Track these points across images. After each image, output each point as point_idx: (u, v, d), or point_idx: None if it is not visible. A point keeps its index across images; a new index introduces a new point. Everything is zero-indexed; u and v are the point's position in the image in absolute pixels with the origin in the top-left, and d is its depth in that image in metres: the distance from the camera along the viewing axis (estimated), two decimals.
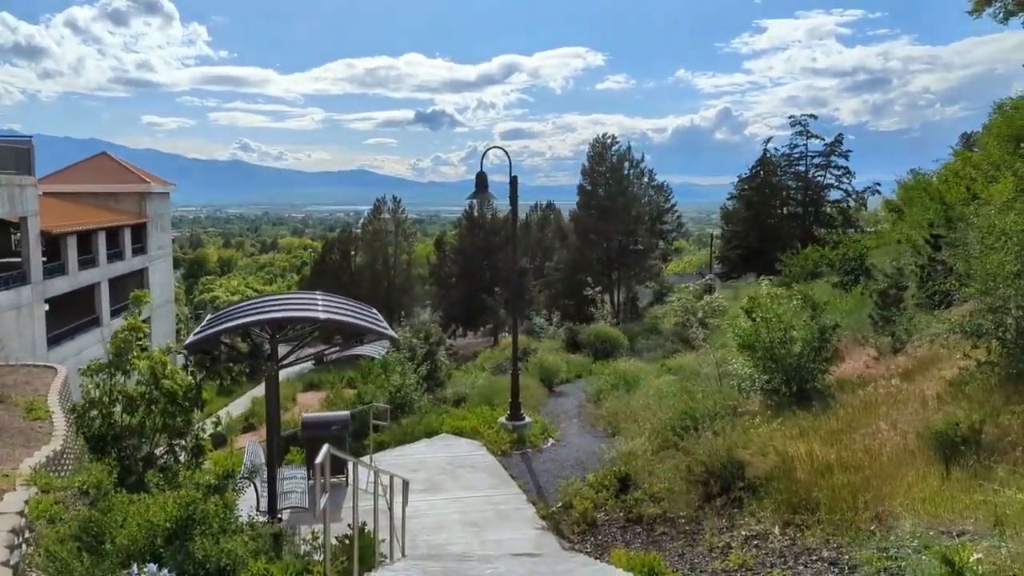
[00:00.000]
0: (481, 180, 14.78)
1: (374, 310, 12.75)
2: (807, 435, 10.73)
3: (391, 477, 9.10)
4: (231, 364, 11.36)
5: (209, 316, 12.61)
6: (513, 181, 14.96)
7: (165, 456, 10.76)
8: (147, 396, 10.76)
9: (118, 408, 10.66)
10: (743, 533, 9.26)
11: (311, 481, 12.76)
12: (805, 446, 9.92)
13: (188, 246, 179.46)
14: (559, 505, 11.80)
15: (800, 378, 13.90)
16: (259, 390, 48.31)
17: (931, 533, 6.97)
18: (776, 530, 8.93)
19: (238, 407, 42.45)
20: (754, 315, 14.64)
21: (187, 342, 10.40)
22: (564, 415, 19.31)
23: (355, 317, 11.48)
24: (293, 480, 12.09)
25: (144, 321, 11.38)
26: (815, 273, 44.15)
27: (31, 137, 36.05)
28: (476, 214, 60.82)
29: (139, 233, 51.34)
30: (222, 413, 43.75)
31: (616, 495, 11.77)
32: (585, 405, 19.97)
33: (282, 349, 11.92)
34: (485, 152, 15.06)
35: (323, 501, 5.00)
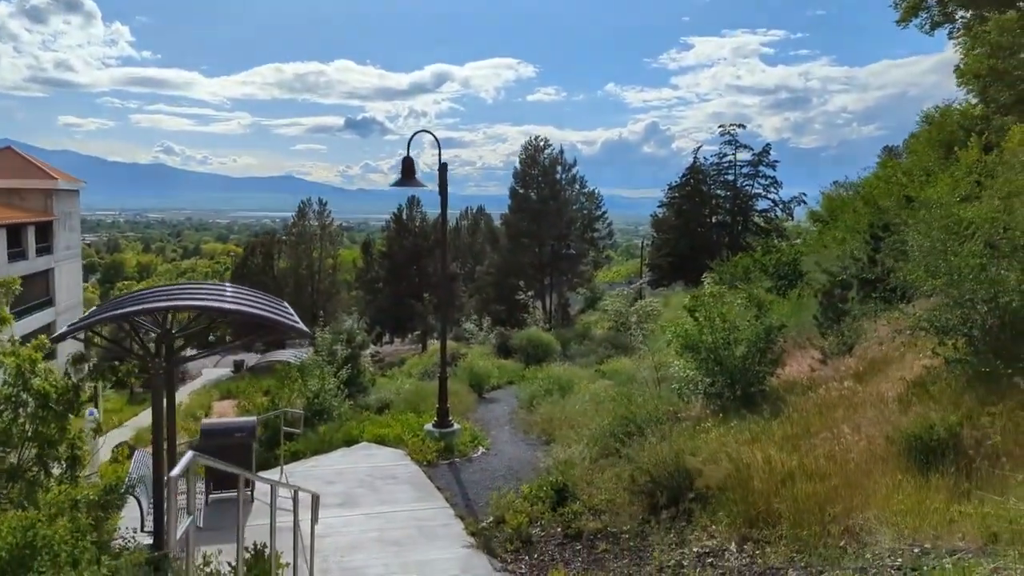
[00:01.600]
0: (408, 166, 13.57)
1: (286, 304, 11.45)
2: (759, 440, 9.88)
3: (295, 491, 7.85)
4: (116, 364, 9.89)
5: (94, 307, 11.11)
6: (443, 168, 13.85)
7: (34, 469, 9.26)
8: (13, 399, 9.27)
9: None
10: (695, 550, 8.31)
11: (222, 494, 11.40)
12: (760, 452, 9.05)
13: (105, 251, 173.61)
14: (490, 520, 10.68)
15: (745, 381, 13.13)
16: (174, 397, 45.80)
17: (915, 551, 6.11)
18: (732, 546, 8.01)
19: (147, 416, 39.93)
20: (697, 314, 13.84)
21: (56, 334, 8.93)
22: (495, 422, 18.23)
23: (264, 310, 10.19)
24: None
25: (48, 325, 9.90)
26: (745, 279, 44.35)
27: None
28: (404, 218, 59.36)
29: (45, 232, 48.30)
30: (132, 423, 41.37)
31: (553, 508, 10.71)
32: (517, 412, 18.92)
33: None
34: (412, 136, 13.88)
35: (181, 528, 3.77)
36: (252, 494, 11.35)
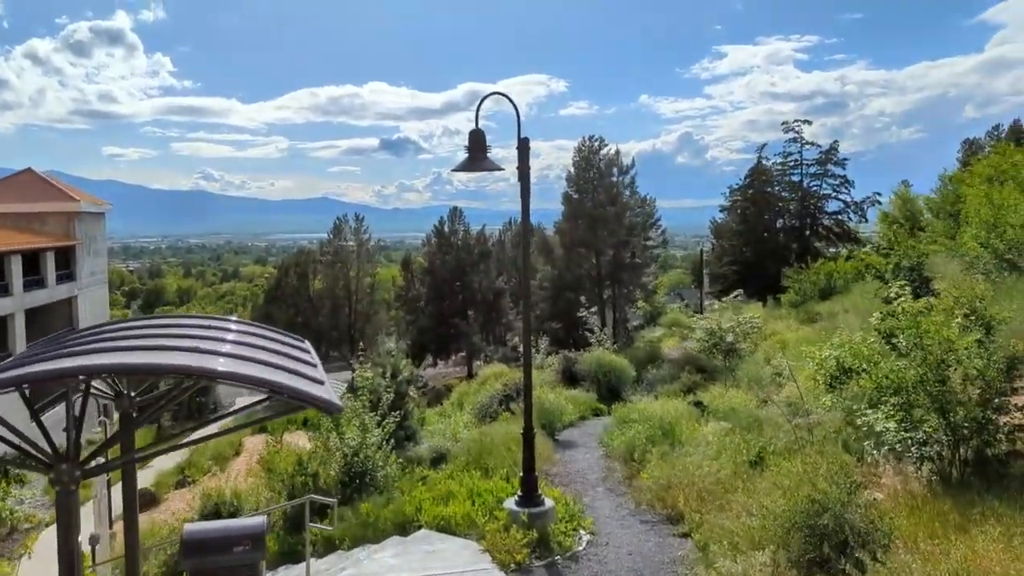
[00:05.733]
0: (477, 140, 9.59)
1: (307, 344, 7.55)
2: None
3: None
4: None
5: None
6: (523, 144, 9.86)
7: None
8: None
9: None
10: None
11: None
12: None
13: (147, 276, 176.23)
14: None
15: (981, 437, 8.95)
16: (199, 434, 42.18)
17: None
18: None
19: (173, 456, 36.35)
20: (897, 341, 9.66)
21: None
22: (583, 481, 14.15)
23: (278, 365, 6.28)
24: None
25: None
26: (828, 290, 39.71)
27: None
28: (447, 231, 55.55)
29: (67, 258, 45.39)
30: (157, 464, 37.77)
31: None
32: (611, 465, 14.83)
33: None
34: (482, 100, 9.92)
35: None
36: None
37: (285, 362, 6.25)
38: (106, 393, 6.83)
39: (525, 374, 11.15)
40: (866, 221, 55.51)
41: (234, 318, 9.03)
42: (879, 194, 54.61)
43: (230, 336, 7.12)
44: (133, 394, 6.91)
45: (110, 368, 5.47)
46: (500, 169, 9.67)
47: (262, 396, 6.47)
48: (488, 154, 9.67)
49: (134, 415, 6.80)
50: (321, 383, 5.66)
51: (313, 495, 10.17)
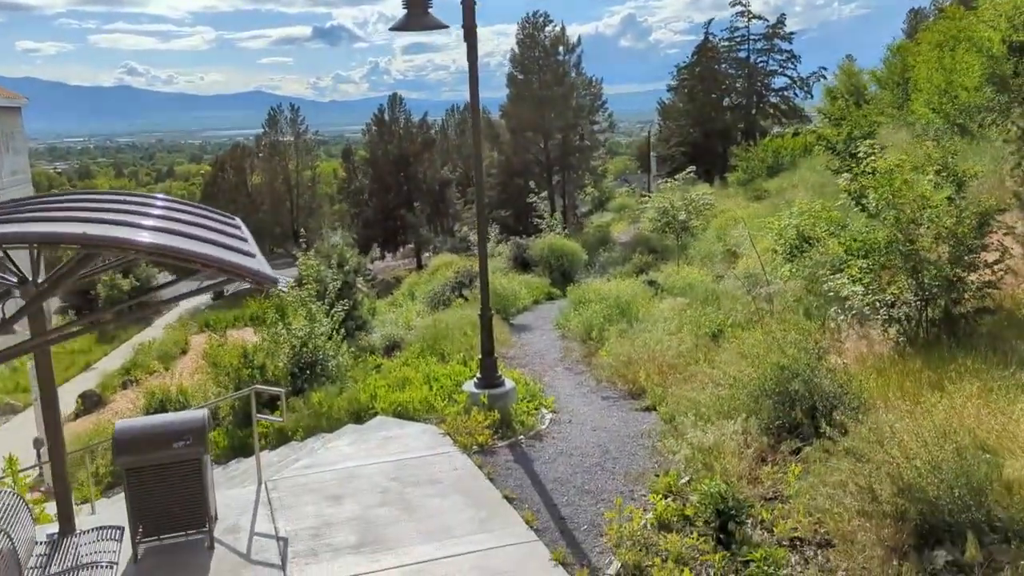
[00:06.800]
0: None
1: (237, 221, 6.84)
2: None
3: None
4: None
5: None
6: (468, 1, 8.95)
7: None
8: None
9: None
10: None
11: (164, 540, 6.98)
12: None
13: (76, 177, 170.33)
14: (615, 570, 6.33)
15: (951, 297, 8.75)
16: (144, 335, 41.25)
17: None
18: None
19: (118, 357, 35.51)
20: (866, 203, 9.29)
21: None
22: (541, 361, 13.88)
23: (204, 239, 5.57)
24: (98, 556, 6.28)
25: None
26: (776, 167, 39.62)
27: None
28: (387, 119, 53.62)
29: None
30: (100, 365, 36.87)
31: (716, 538, 6.38)
32: (569, 345, 14.54)
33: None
34: None
35: None
36: (211, 535, 6.96)
37: (216, 236, 5.56)
38: (8, 280, 6.06)
39: (480, 251, 10.59)
40: (812, 97, 55.14)
41: (160, 194, 8.24)
42: (825, 68, 54.07)
43: (155, 211, 6.37)
44: (41, 280, 6.15)
45: (6, 238, 4.72)
46: (444, 26, 8.80)
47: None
48: (429, 10, 8.75)
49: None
50: (253, 256, 5.02)
51: (258, 385, 9.63)
